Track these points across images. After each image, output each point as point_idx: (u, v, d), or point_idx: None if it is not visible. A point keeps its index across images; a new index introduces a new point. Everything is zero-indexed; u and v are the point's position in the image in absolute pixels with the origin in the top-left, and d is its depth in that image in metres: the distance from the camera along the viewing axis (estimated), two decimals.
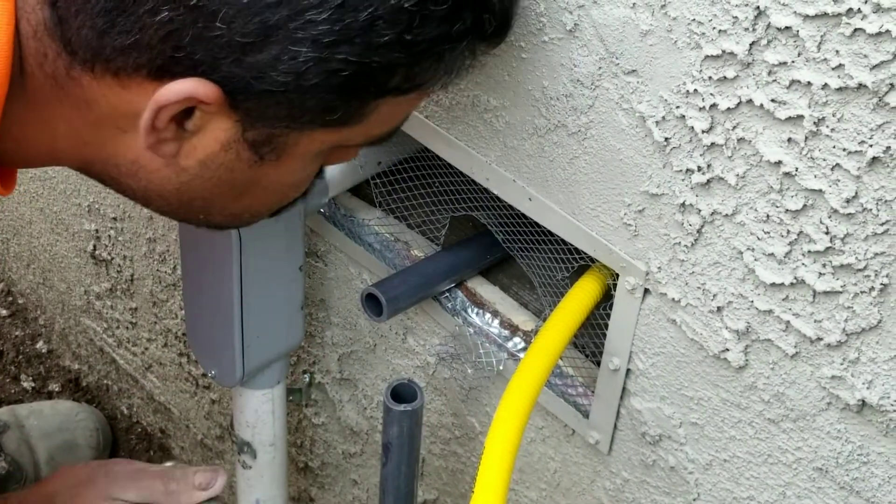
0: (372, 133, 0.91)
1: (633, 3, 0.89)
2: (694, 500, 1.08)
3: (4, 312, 2.28)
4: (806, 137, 0.83)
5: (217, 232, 1.14)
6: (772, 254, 0.89)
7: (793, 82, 0.82)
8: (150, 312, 1.87)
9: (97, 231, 1.89)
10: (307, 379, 1.55)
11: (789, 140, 0.84)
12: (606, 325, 1.06)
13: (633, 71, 0.91)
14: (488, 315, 1.24)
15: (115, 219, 1.81)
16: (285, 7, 0.78)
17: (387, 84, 0.85)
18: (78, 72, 0.83)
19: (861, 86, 0.78)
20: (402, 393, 1.14)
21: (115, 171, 0.90)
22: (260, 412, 1.32)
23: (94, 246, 1.92)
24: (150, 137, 0.84)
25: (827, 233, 0.85)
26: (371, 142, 0.93)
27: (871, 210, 0.82)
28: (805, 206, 0.86)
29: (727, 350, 0.97)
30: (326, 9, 0.78)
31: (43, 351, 2.25)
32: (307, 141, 0.88)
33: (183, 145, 0.85)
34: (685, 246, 0.95)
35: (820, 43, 0.79)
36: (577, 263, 1.09)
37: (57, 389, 2.19)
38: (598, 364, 1.10)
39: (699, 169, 0.91)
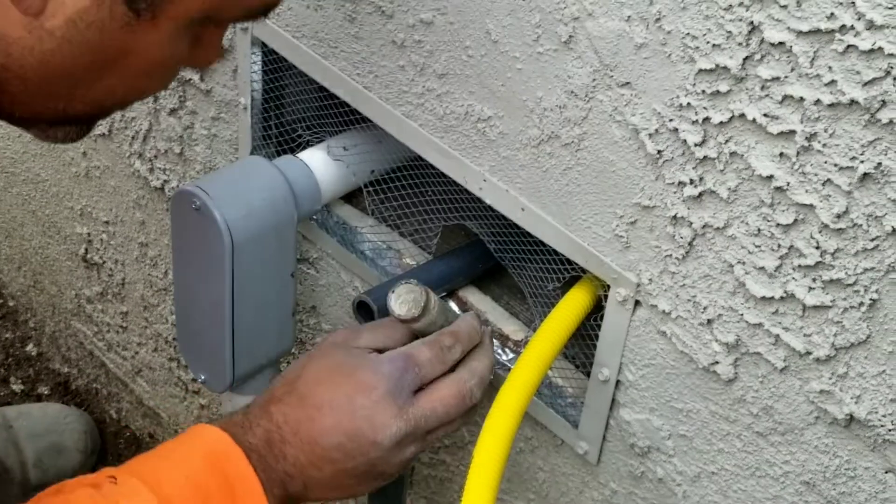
0: (247, 2, 0.89)
1: (628, 16, 0.89)
2: None
3: None
4: (798, 152, 0.83)
5: (209, 236, 1.14)
6: (762, 267, 0.90)
7: (785, 97, 0.82)
8: (140, 317, 1.86)
9: (89, 234, 1.88)
10: None
11: (781, 155, 0.84)
12: (597, 336, 1.07)
13: (627, 83, 0.92)
14: None
15: (107, 222, 1.81)
16: None
17: None
18: None
19: (853, 102, 0.78)
20: None
21: None
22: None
23: (86, 249, 1.91)
24: None
25: (817, 247, 0.86)
26: (249, 11, 0.90)
27: (861, 226, 0.82)
28: (796, 220, 0.86)
29: (717, 363, 0.97)
30: None
31: (33, 354, 2.25)
32: None
33: (49, 1, 0.80)
34: (676, 258, 0.95)
35: (813, 59, 0.79)
36: (569, 274, 1.09)
37: (46, 392, 2.19)
38: (588, 375, 1.10)
39: (691, 182, 0.91)
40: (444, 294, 1.25)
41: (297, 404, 1.02)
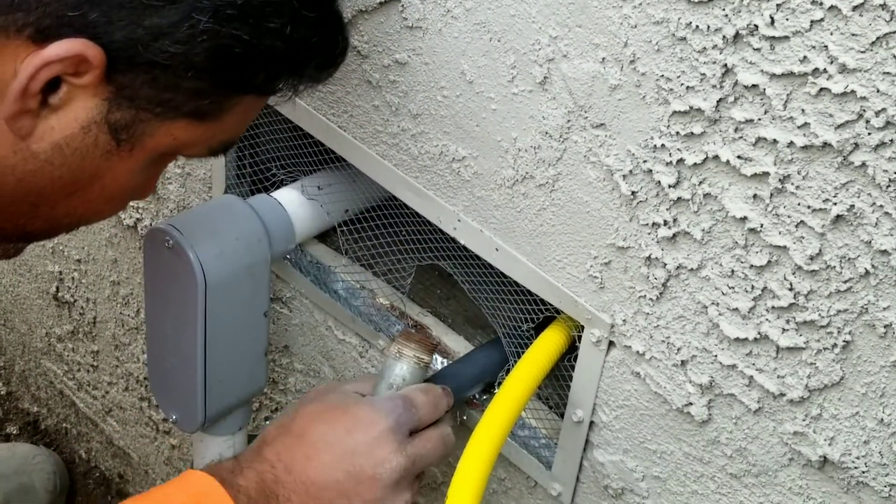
0: (217, 138, 0.92)
1: (603, 58, 0.89)
2: None
3: None
4: (771, 194, 0.84)
5: (182, 275, 1.13)
6: (736, 309, 0.90)
7: (759, 139, 0.83)
8: (111, 356, 1.85)
9: (61, 273, 1.87)
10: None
11: (755, 196, 0.85)
12: (571, 377, 1.06)
13: (602, 124, 0.92)
14: None
15: (79, 261, 1.80)
16: None
17: (253, 79, 0.88)
18: None
19: (826, 144, 0.79)
20: None
21: None
22: (221, 459, 1.31)
23: (58, 288, 1.90)
24: (17, 105, 0.80)
25: (791, 289, 0.86)
26: (211, 150, 0.94)
27: (834, 267, 0.83)
28: (769, 262, 0.86)
29: (690, 404, 0.97)
30: None
31: (2, 393, 2.22)
32: (163, 133, 0.87)
33: (39, 124, 0.83)
34: (650, 299, 0.96)
35: (786, 101, 0.80)
36: (543, 315, 1.09)
37: (15, 432, 2.16)
38: (562, 416, 1.10)
39: (665, 223, 0.91)
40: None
41: (291, 444, 1.00)
